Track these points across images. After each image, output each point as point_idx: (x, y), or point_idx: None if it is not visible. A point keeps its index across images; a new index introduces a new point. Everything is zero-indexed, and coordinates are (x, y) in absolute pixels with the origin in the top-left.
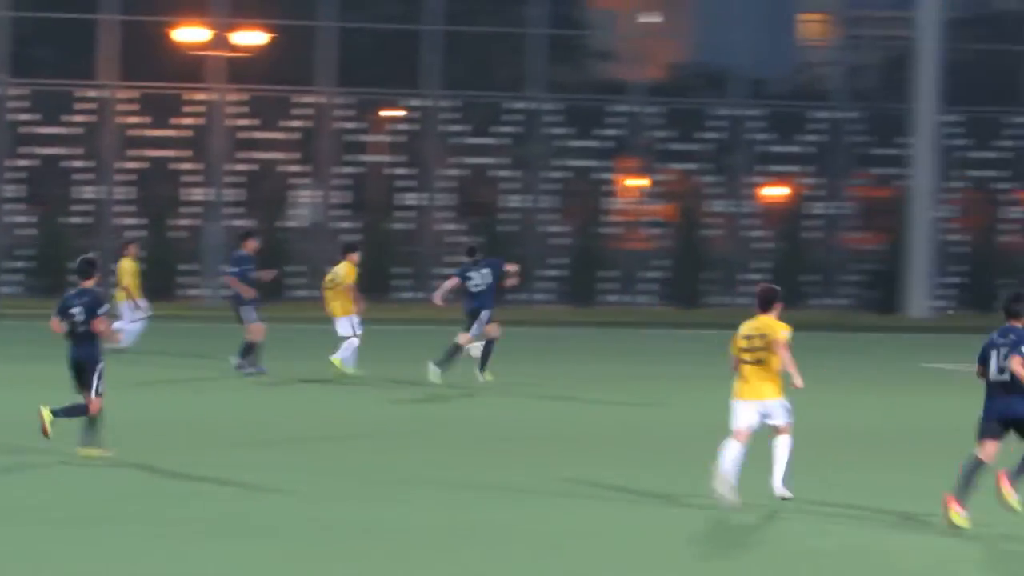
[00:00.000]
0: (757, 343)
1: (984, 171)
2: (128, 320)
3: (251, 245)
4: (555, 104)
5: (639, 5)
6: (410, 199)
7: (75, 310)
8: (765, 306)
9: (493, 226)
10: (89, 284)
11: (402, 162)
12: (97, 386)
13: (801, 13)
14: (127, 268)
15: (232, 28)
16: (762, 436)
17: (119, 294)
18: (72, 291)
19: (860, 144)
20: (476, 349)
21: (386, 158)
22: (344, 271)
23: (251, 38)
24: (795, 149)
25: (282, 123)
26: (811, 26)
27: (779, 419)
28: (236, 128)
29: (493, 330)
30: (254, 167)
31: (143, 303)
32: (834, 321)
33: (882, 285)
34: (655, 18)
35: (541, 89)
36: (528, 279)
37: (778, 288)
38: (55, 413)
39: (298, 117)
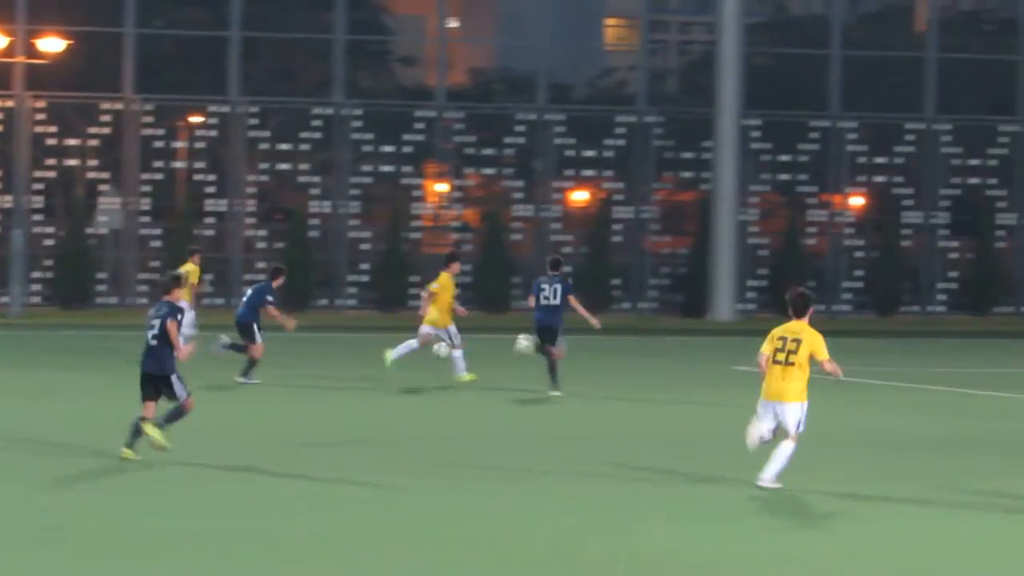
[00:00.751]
0: (790, 346)
1: (787, 174)
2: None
3: (278, 281)
4: (359, 110)
5: (442, 10)
6: (215, 205)
7: (153, 323)
8: (799, 312)
9: (298, 232)
10: (172, 297)
11: (206, 168)
12: (181, 389)
13: (605, 18)
14: (194, 271)
15: (33, 35)
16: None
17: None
18: (157, 302)
19: (664, 148)
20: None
21: (190, 164)
22: (442, 281)
23: (52, 45)
24: (599, 153)
25: (85, 129)
26: (615, 31)
27: (790, 425)
28: (38, 135)
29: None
30: (57, 174)
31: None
32: (640, 325)
33: (687, 288)
34: (458, 23)
35: (345, 95)
36: (334, 284)
37: (810, 294)
38: (159, 425)
39: (101, 124)
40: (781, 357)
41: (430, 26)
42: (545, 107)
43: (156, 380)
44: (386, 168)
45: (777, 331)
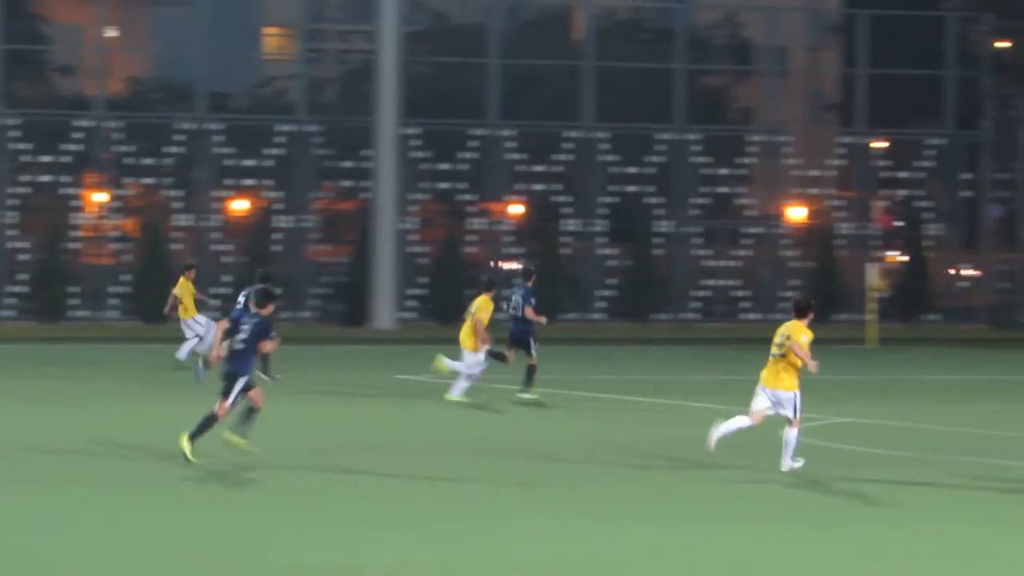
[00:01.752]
0: (784, 341)
1: (446, 183)
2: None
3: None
4: (16, 119)
5: (100, 19)
6: None
7: (243, 329)
8: (800, 314)
9: None
10: (264, 312)
11: None
12: (235, 396)
13: (264, 27)
14: (186, 286)
15: None
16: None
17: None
18: (244, 312)
19: (324, 157)
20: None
21: None
22: (479, 304)
23: None
24: (259, 162)
25: None
26: (274, 40)
27: (788, 411)
28: None
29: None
30: None
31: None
32: (300, 334)
33: (347, 297)
34: (117, 32)
35: (2, 104)
36: None
37: (812, 300)
38: (192, 437)
39: None
40: (776, 351)
41: (88, 35)
42: (204, 116)
43: (231, 378)
44: (44, 178)
45: (780, 329)
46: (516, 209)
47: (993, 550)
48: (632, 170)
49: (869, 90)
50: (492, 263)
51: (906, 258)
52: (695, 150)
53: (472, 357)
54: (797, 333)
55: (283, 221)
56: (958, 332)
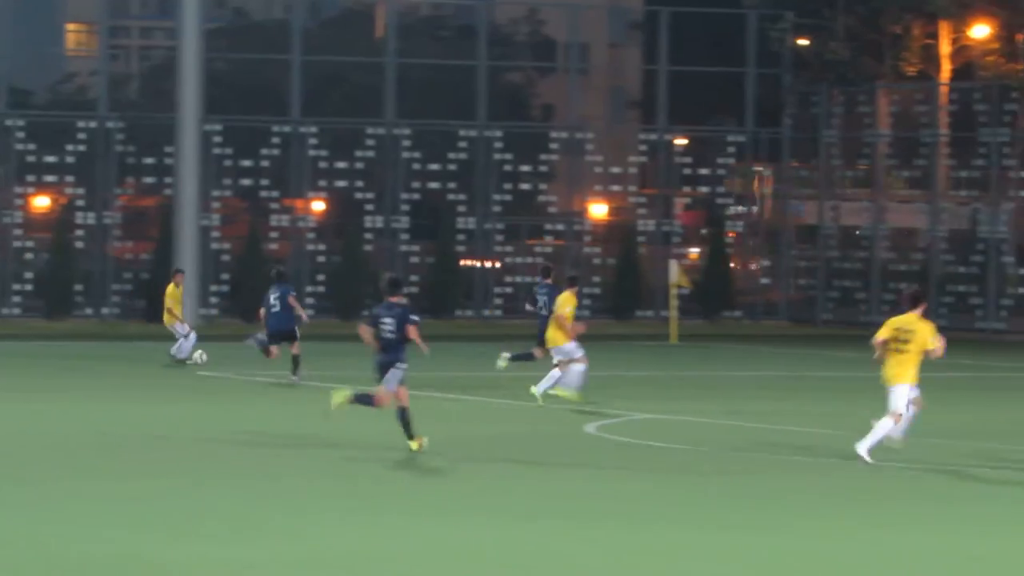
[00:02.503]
0: (906, 336)
1: (248, 179)
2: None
3: None
4: None
5: None
6: None
7: (387, 321)
8: (913, 305)
9: None
10: (396, 299)
11: None
12: (390, 381)
13: (66, 23)
14: (173, 294)
15: None
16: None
17: (167, 317)
18: (380, 305)
19: (126, 154)
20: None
21: None
22: (563, 299)
23: None
24: (61, 159)
25: None
26: (76, 36)
27: (898, 401)
28: None
29: None
30: None
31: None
32: (102, 330)
33: (149, 294)
34: None
35: None
36: None
37: (923, 292)
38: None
39: None
40: (900, 347)
41: None
42: (5, 112)
43: (385, 367)
44: None
45: (894, 322)
46: (318, 206)
47: (750, 547)
48: (434, 167)
49: (670, 87)
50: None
51: (707, 255)
52: (497, 147)
53: (568, 347)
54: (923, 326)
55: (85, 217)
56: (759, 328)
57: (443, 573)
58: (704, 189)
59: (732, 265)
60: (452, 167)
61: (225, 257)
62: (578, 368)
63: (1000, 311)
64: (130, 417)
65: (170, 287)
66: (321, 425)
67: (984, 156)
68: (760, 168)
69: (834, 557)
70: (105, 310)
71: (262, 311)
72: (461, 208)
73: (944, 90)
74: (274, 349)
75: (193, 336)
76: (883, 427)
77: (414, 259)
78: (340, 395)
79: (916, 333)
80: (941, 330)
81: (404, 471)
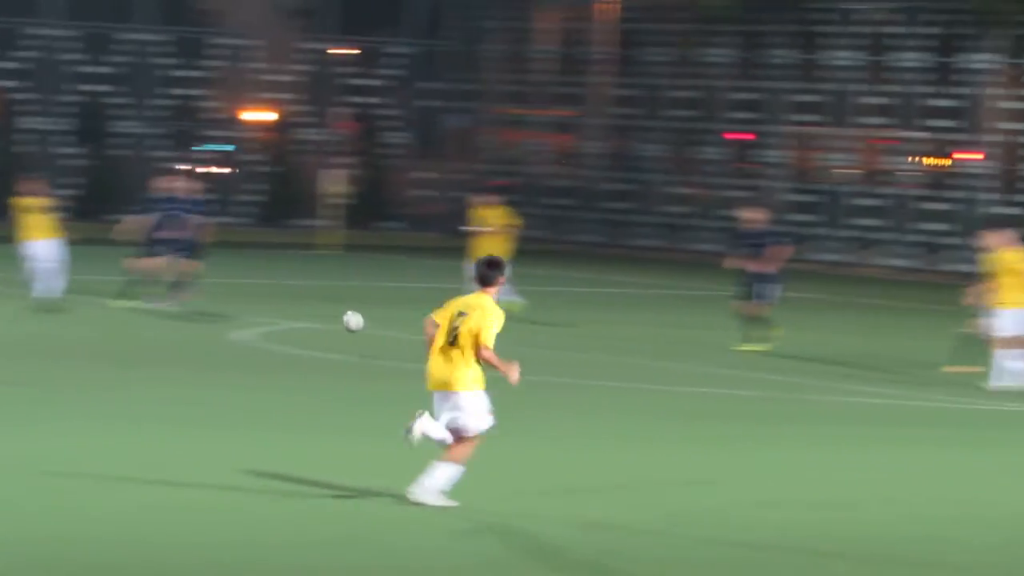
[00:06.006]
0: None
1: None
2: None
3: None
4: None
5: None
6: None
7: None
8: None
9: None
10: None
11: None
12: None
13: None
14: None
15: None
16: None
17: None
18: None
19: None
20: None
21: None
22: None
23: None
24: None
25: None
26: None
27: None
28: None
29: None
30: None
31: None
32: None
33: None
34: None
35: None
36: None
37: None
38: None
39: None
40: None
41: None
42: None
43: None
44: None
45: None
46: None
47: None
48: (96, 70)
49: None
50: None
51: (365, 165)
52: (158, 51)
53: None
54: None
55: None
56: (416, 240)
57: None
58: (365, 100)
59: (391, 176)
60: (113, 70)
61: None
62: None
63: (654, 228)
64: None
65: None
66: None
67: (643, 75)
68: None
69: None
70: None
71: None
72: (121, 112)
73: (603, 8)
74: None
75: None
76: None
77: (74, 162)
78: None
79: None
80: (594, 246)
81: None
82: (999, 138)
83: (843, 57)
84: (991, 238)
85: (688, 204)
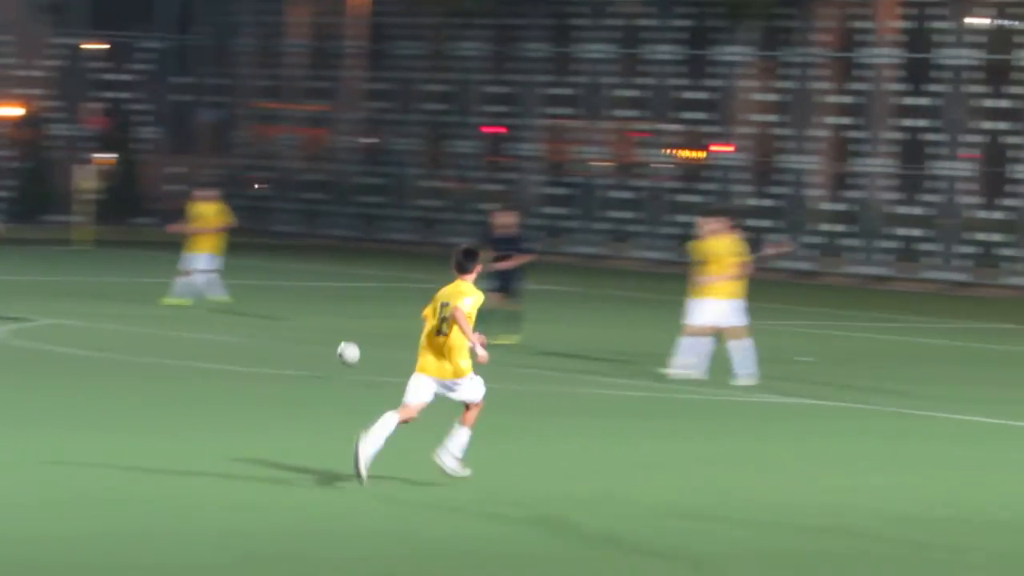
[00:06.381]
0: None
1: None
2: None
3: None
4: None
5: None
6: None
7: None
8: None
9: None
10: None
11: None
12: None
13: None
14: None
15: None
16: None
17: None
18: None
19: None
20: None
21: None
22: None
23: None
24: None
25: None
26: None
27: None
28: None
29: None
30: None
31: None
32: None
33: None
34: None
35: None
36: None
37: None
38: None
39: None
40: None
41: None
42: None
43: None
44: None
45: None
46: None
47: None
48: None
49: None
50: None
51: (118, 161)
52: None
53: None
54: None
55: None
56: (171, 235)
57: None
58: (117, 95)
59: (143, 172)
60: None
61: None
62: None
63: (408, 222)
64: None
65: None
66: None
67: (396, 68)
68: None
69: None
70: None
71: None
72: None
73: (355, 2)
74: None
75: None
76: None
77: None
78: None
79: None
80: (348, 240)
81: None
82: (752, 130)
83: (596, 50)
84: (706, 224)
85: (442, 198)
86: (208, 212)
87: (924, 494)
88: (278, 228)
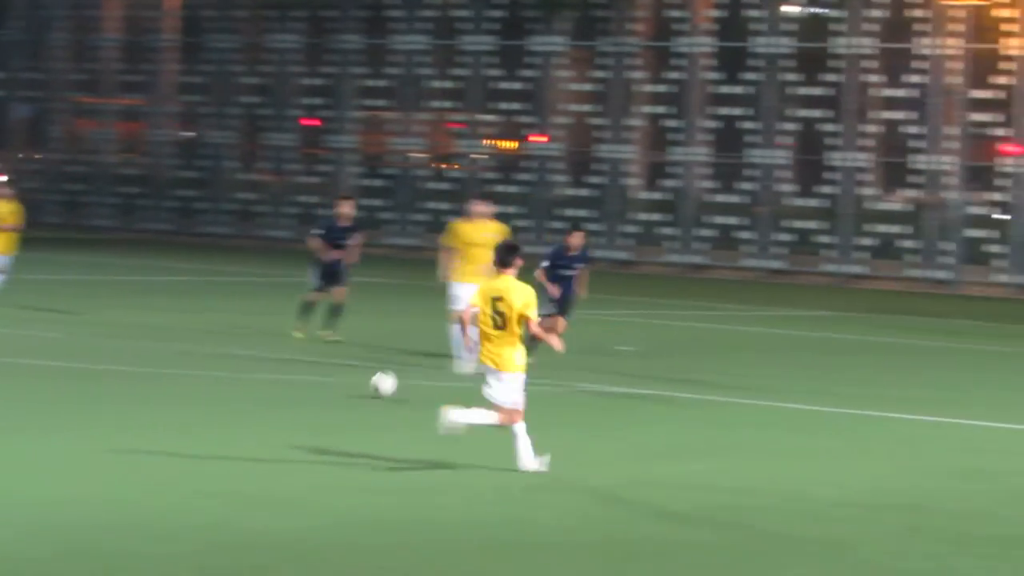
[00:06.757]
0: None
1: None
2: None
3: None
4: None
5: None
6: None
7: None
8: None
9: None
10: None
11: None
12: None
13: None
14: None
15: None
16: None
17: None
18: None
19: None
20: None
21: None
22: None
23: None
24: None
25: None
26: None
27: None
28: None
29: None
30: None
31: None
32: None
33: None
34: None
35: None
36: None
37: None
38: None
39: None
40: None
41: None
42: None
43: None
44: None
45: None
46: None
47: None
48: None
49: None
50: None
51: None
52: None
53: None
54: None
55: None
56: None
57: None
58: None
59: None
60: None
61: None
62: None
63: (225, 215)
64: None
65: None
66: None
67: (211, 62)
68: None
69: None
70: None
71: None
72: None
73: None
74: None
75: None
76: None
77: None
78: None
79: None
80: (165, 234)
81: None
82: (568, 120)
83: (411, 41)
84: (475, 208)
85: (259, 191)
86: (3, 211)
87: (746, 481)
88: (94, 223)
